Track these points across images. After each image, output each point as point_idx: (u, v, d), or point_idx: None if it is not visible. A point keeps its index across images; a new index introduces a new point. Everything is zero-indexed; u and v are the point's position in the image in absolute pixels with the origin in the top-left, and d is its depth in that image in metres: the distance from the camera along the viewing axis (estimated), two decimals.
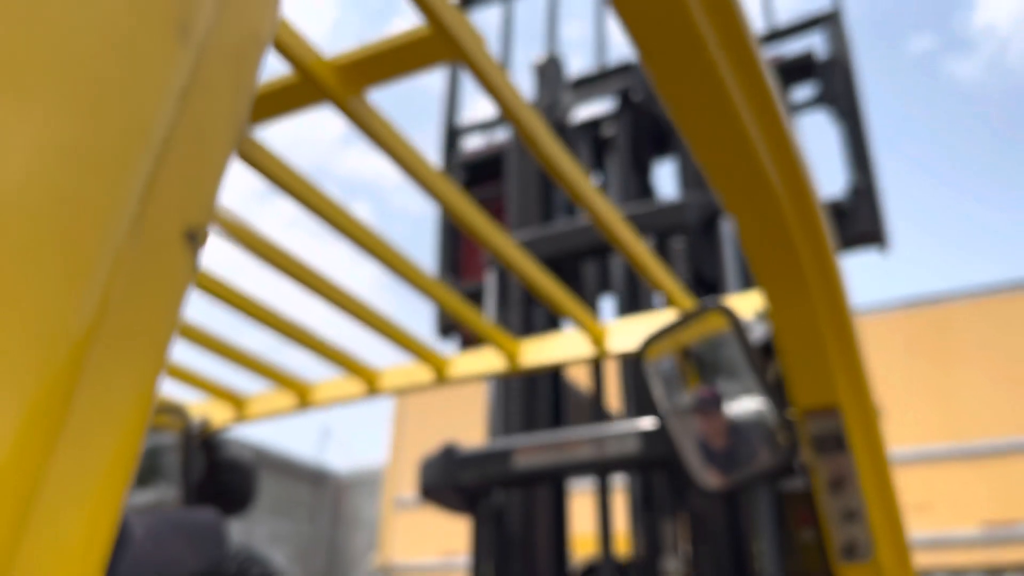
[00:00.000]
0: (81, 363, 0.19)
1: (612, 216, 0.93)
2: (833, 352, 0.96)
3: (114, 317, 0.20)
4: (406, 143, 0.83)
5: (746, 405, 1.02)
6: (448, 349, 2.96)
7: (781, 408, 0.99)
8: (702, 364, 1.05)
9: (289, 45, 0.71)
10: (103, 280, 0.19)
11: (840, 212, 2.51)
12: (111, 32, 0.19)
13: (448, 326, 2.84)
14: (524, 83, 3.05)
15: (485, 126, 3.22)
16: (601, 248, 2.06)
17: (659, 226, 2.16)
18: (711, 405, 1.04)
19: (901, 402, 6.89)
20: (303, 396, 1.33)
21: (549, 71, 2.89)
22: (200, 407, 1.43)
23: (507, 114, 0.78)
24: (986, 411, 7.01)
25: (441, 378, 1.24)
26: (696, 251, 2.14)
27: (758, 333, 1.06)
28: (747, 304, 1.09)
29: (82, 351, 0.19)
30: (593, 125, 2.68)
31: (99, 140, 0.19)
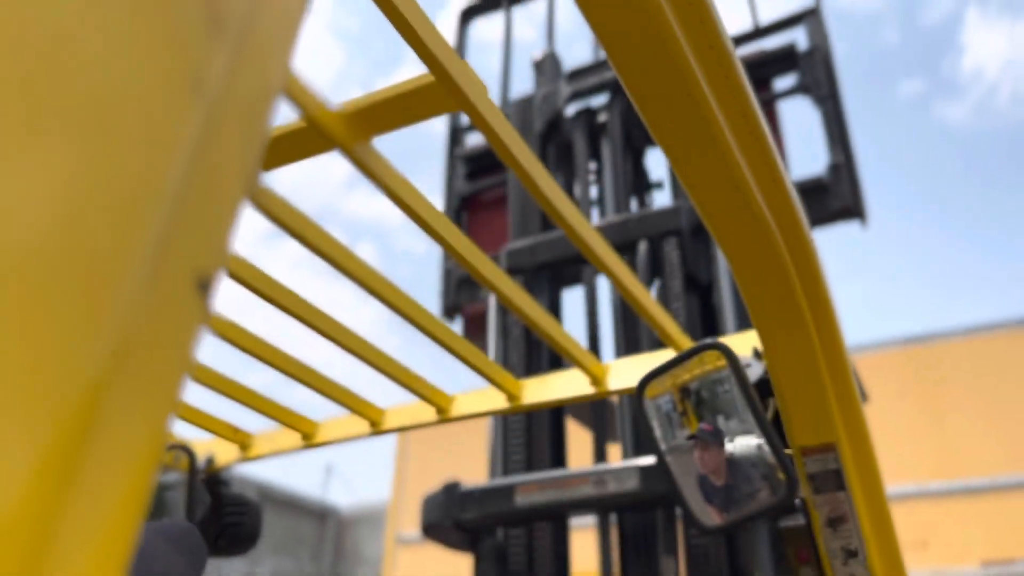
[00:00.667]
0: (96, 408, 0.20)
1: (621, 269, 0.95)
2: (830, 390, 0.97)
3: (127, 364, 0.21)
4: (411, 187, 0.85)
5: (745, 443, 1.03)
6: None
7: (781, 446, 1.00)
8: (700, 402, 1.06)
9: (297, 93, 0.73)
10: (117, 328, 0.21)
11: (822, 188, 2.72)
12: (125, 86, 0.21)
13: (451, 308, 2.98)
14: (525, 77, 3.27)
15: None
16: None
17: (653, 230, 2.23)
18: (710, 443, 1.05)
19: (896, 440, 6.86)
20: (308, 434, 1.34)
21: (546, 65, 3.12)
22: (205, 445, 1.44)
23: (509, 162, 0.80)
24: (980, 448, 6.98)
25: (444, 416, 1.25)
26: (690, 254, 2.20)
27: (756, 370, 1.08)
28: (744, 342, 1.10)
29: (97, 397, 0.20)
30: (588, 113, 2.81)
31: (113, 191, 0.21)
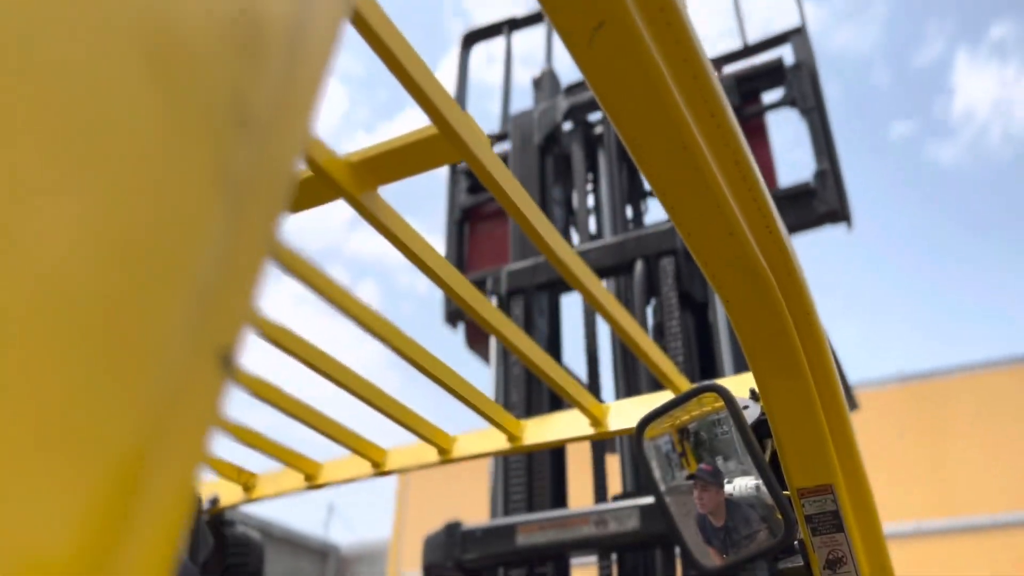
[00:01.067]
0: (135, 470, 0.22)
1: (621, 313, 0.97)
2: (827, 432, 0.98)
3: (160, 431, 0.23)
4: (416, 235, 0.87)
5: (744, 484, 1.04)
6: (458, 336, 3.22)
7: (779, 487, 1.01)
8: (699, 443, 1.07)
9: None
10: (152, 400, 0.22)
11: (810, 193, 2.90)
12: (160, 180, 0.23)
13: (454, 315, 3.07)
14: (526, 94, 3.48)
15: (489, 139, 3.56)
16: (597, 272, 2.34)
17: (649, 250, 2.29)
18: (709, 484, 1.06)
19: (897, 477, 6.82)
20: (311, 475, 1.35)
21: (545, 82, 3.34)
22: (209, 486, 1.45)
23: (512, 212, 0.82)
24: (983, 486, 6.92)
25: (446, 457, 1.26)
26: (685, 273, 2.26)
27: (754, 412, 1.09)
28: (742, 384, 1.12)
29: (135, 460, 0.22)
30: (585, 126, 2.92)
31: (147, 278, 0.22)
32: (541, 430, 1.24)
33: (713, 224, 0.78)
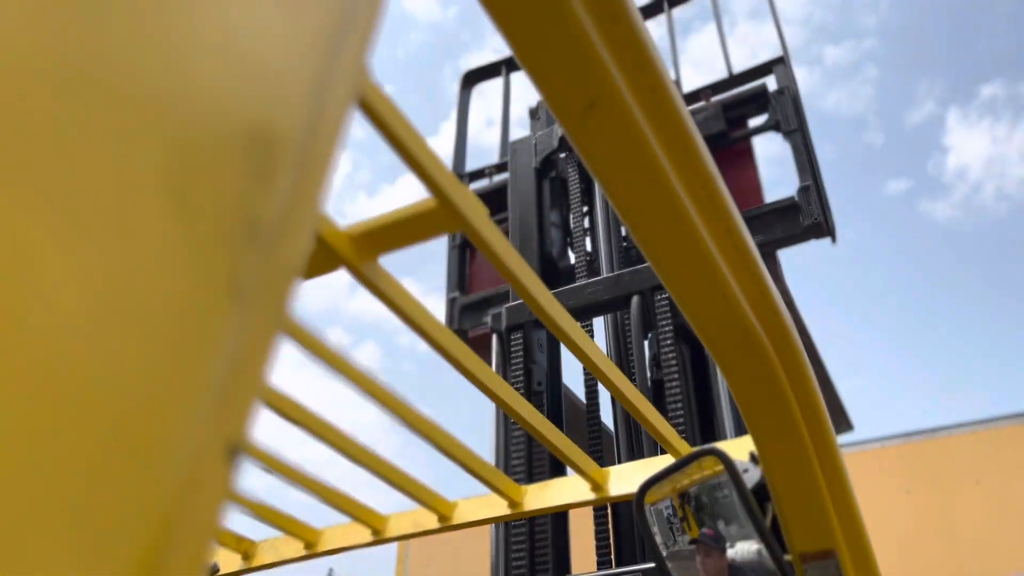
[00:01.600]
0: (151, 556, 0.23)
1: (623, 381, 0.98)
2: (827, 496, 0.98)
3: (173, 521, 0.24)
4: (415, 302, 0.89)
5: (746, 548, 1.04)
6: None
7: (781, 552, 1.00)
8: (700, 507, 1.07)
9: None
10: (166, 492, 0.24)
11: (795, 208, 3.07)
12: (175, 295, 0.24)
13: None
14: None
15: (487, 173, 3.93)
16: (596, 307, 2.43)
17: (645, 284, 2.33)
18: (711, 548, 1.06)
19: (901, 538, 6.71)
20: (311, 543, 1.34)
21: (541, 111, 3.54)
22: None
23: (513, 283, 0.84)
24: (989, 547, 6.78)
25: (446, 524, 1.26)
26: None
27: (754, 475, 1.09)
28: (742, 447, 1.12)
29: (151, 548, 0.23)
30: None
31: (157, 378, 0.24)
32: (542, 496, 1.23)
33: (708, 291, 0.80)
